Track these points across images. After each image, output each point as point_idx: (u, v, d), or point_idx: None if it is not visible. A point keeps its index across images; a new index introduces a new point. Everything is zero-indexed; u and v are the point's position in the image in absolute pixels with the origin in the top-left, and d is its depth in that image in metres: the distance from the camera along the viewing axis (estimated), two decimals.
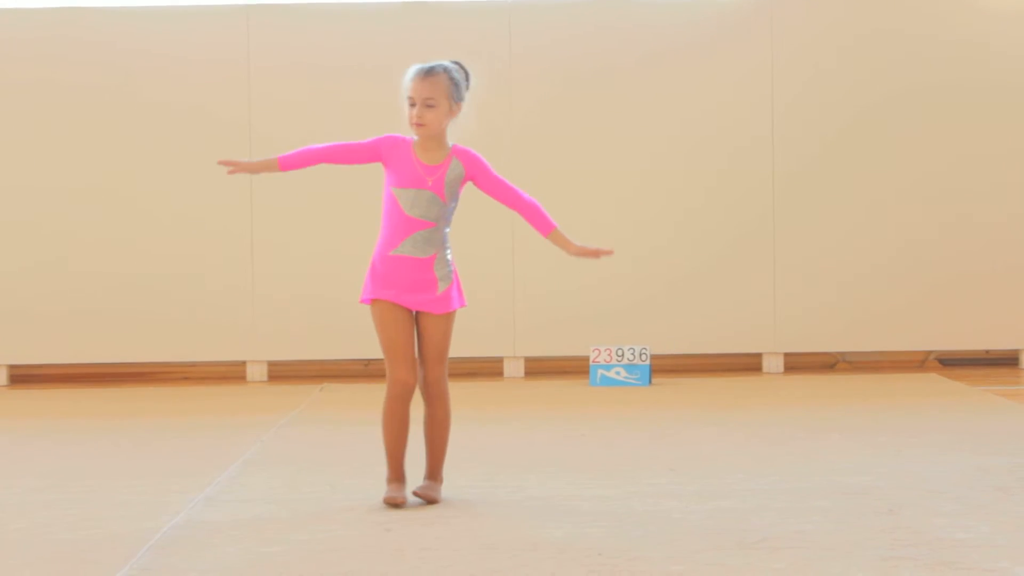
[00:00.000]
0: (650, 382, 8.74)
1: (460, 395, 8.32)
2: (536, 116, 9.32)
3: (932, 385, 8.58)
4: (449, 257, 5.05)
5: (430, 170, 4.90)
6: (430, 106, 4.85)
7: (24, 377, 9.38)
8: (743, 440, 6.36)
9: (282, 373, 9.40)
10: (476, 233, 9.23)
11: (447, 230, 5.01)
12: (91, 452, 6.33)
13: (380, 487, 5.06)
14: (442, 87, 4.86)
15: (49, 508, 5.02)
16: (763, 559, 4.06)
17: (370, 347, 9.20)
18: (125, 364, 9.40)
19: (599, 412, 7.46)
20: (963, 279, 9.36)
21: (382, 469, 5.06)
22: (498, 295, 9.27)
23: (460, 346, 9.24)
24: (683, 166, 9.33)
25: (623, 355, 8.77)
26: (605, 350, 8.79)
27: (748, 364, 9.51)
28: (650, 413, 7.38)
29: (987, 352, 9.60)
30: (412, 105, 4.86)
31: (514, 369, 9.36)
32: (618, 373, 8.76)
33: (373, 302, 4.99)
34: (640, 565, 4.02)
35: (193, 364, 9.47)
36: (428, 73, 4.86)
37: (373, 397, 8.34)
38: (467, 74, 4.98)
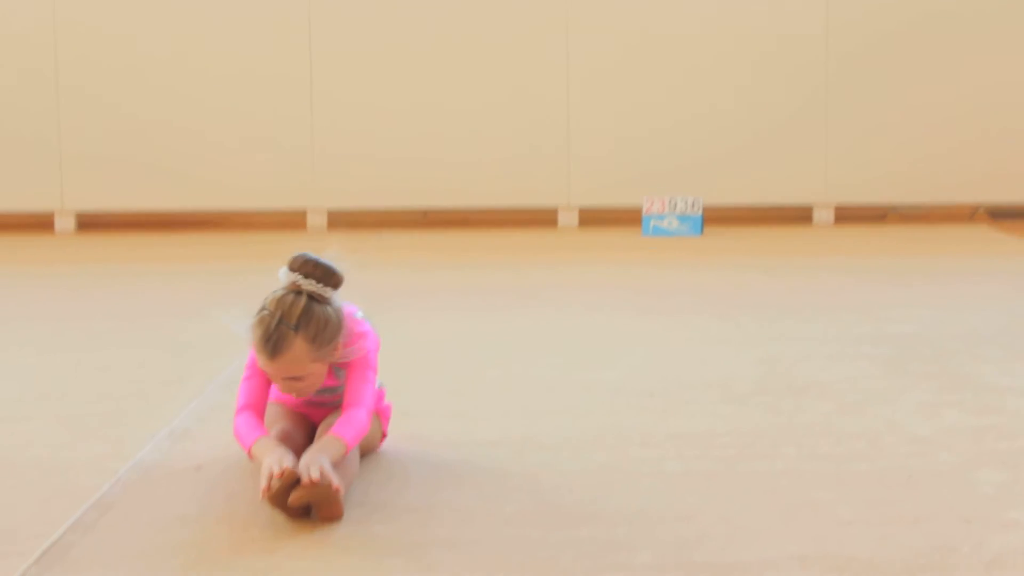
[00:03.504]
0: (702, 232, 8.84)
1: (514, 244, 8.48)
2: None
3: (981, 236, 8.64)
4: None
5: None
6: (296, 378, 3.35)
7: (91, 223, 9.57)
8: (792, 288, 6.46)
9: (341, 221, 9.54)
10: (530, 83, 9.30)
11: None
12: (158, 294, 6.50)
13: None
14: (303, 358, 3.29)
15: (118, 349, 5.21)
16: (811, 403, 4.19)
17: (428, 197, 9.38)
18: (189, 212, 9.58)
19: (651, 260, 7.57)
20: (1014, 131, 9.35)
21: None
22: (553, 146, 9.35)
23: (514, 196, 9.42)
24: (739, 21, 9.32)
25: (675, 205, 8.86)
26: (658, 200, 8.88)
27: (799, 216, 9.58)
28: (700, 262, 7.48)
29: None
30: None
31: (568, 219, 9.47)
32: (670, 223, 8.86)
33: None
34: (691, 407, 4.16)
35: (256, 212, 9.64)
36: (276, 351, 3.26)
37: (431, 243, 8.51)
38: (332, 278, 3.36)
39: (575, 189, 9.41)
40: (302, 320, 3.28)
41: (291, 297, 3.31)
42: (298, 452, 3.35)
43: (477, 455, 3.66)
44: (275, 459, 3.16)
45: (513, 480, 3.42)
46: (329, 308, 3.34)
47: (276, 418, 3.53)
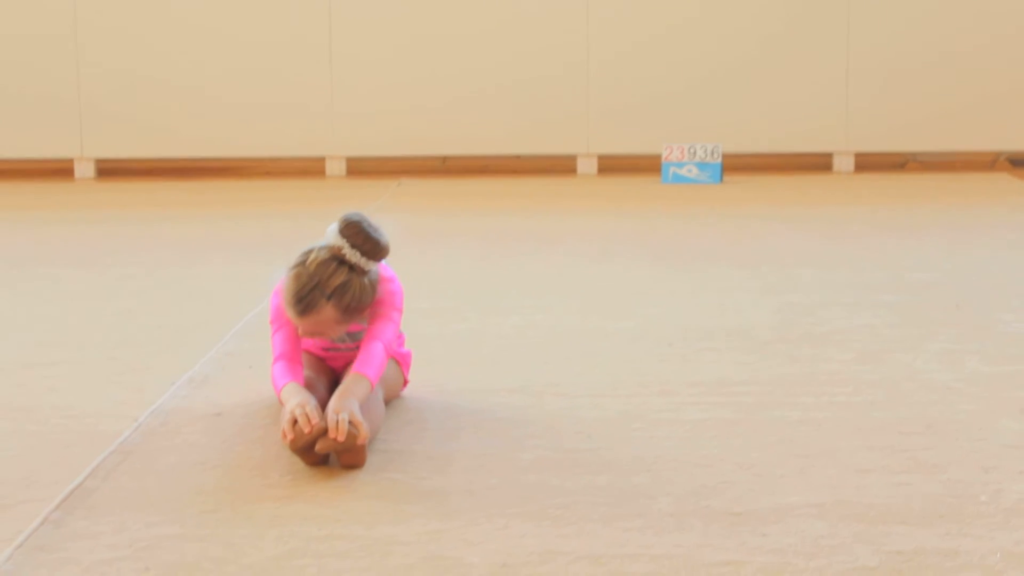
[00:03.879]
0: (721, 180, 8.82)
1: (534, 191, 8.47)
2: None
3: (1001, 184, 8.60)
4: None
5: None
6: (320, 332, 3.42)
7: (111, 170, 9.58)
8: (812, 237, 6.45)
9: (361, 169, 9.54)
10: (550, 31, 9.26)
11: None
12: (177, 240, 6.52)
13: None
14: (330, 321, 3.35)
15: (139, 295, 5.22)
16: (831, 351, 4.19)
17: (448, 145, 9.36)
18: (208, 159, 9.58)
19: (670, 209, 7.56)
20: None
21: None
22: (572, 93, 9.32)
23: (534, 144, 9.40)
24: None
25: (695, 153, 8.84)
26: (677, 148, 8.86)
27: (819, 163, 9.54)
28: (721, 210, 7.47)
29: None
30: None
31: (587, 166, 9.45)
32: (690, 171, 8.84)
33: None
34: (709, 355, 4.17)
35: (275, 159, 9.64)
36: (305, 311, 3.31)
37: (450, 191, 8.50)
38: (375, 251, 3.38)
39: (594, 136, 9.39)
40: (337, 291, 3.31)
41: (333, 266, 3.32)
42: (321, 401, 3.36)
43: (496, 403, 3.67)
44: (297, 403, 3.18)
45: (532, 427, 3.43)
46: (366, 280, 3.37)
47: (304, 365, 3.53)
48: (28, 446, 3.33)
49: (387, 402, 3.59)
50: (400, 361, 3.69)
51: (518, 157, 9.57)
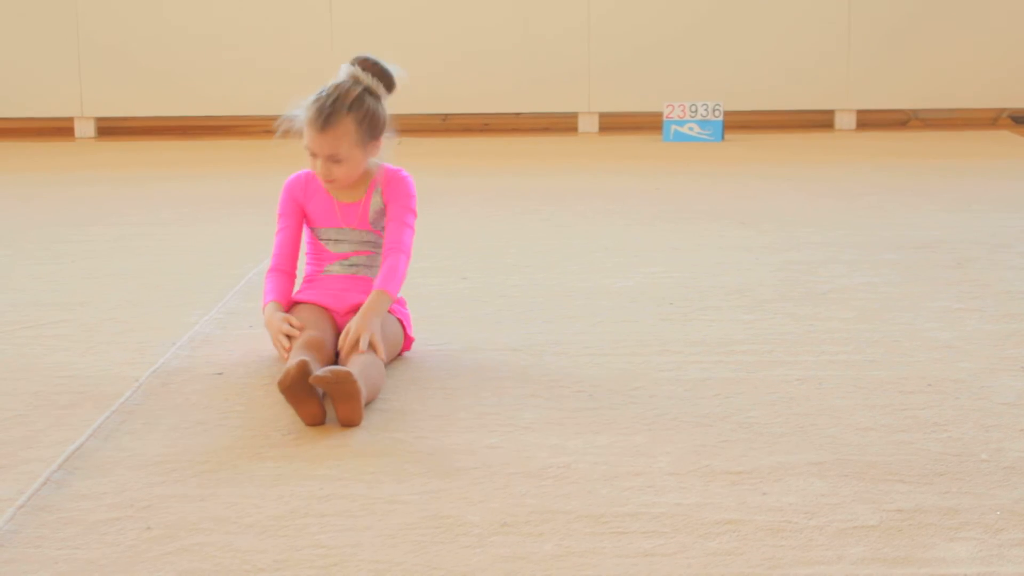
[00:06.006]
0: (723, 138, 8.80)
1: (535, 150, 8.46)
2: None
3: (1004, 142, 8.59)
4: None
5: (349, 208, 3.72)
6: (337, 161, 3.60)
7: (111, 129, 9.56)
8: (814, 195, 6.45)
9: None
10: None
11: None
12: (177, 200, 6.51)
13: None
14: (349, 137, 3.57)
15: (138, 255, 5.22)
16: (832, 309, 4.19)
17: (448, 103, 9.34)
18: (208, 118, 9.56)
19: (671, 167, 7.55)
20: None
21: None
22: (573, 51, 9.29)
23: (535, 102, 9.39)
24: None
25: (696, 111, 8.82)
26: (679, 106, 8.84)
27: (820, 120, 9.53)
28: (722, 168, 7.47)
29: None
30: (313, 156, 3.63)
31: (588, 124, 9.43)
32: (691, 128, 8.82)
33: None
34: (710, 314, 4.17)
35: (275, 118, 9.60)
36: (326, 124, 3.54)
37: (451, 149, 8.49)
38: (388, 80, 3.68)
39: (595, 95, 9.37)
40: (355, 103, 3.58)
41: (349, 83, 3.61)
42: (327, 357, 3.44)
43: (497, 361, 3.67)
44: (277, 330, 3.53)
45: (533, 386, 3.43)
46: (380, 105, 3.64)
47: (305, 322, 3.57)
48: (29, 406, 3.33)
49: (388, 362, 3.60)
50: (403, 320, 3.70)
51: (519, 115, 9.55)
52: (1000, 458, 2.89)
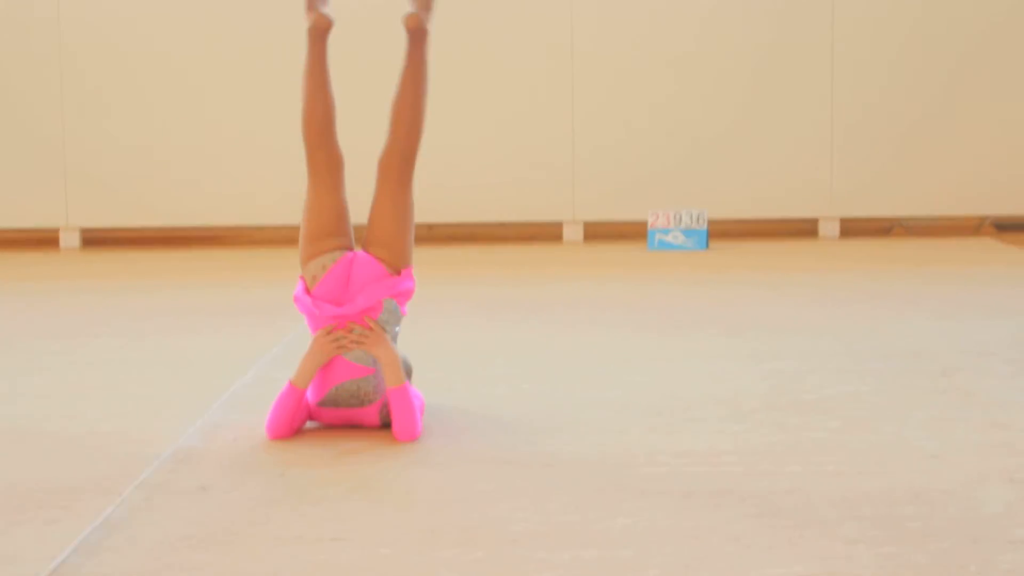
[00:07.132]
0: (707, 246, 8.84)
1: (520, 259, 8.48)
2: None
3: (987, 249, 8.63)
4: None
5: None
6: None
7: (96, 240, 9.58)
8: (799, 304, 6.45)
9: None
10: (536, 98, 9.30)
11: None
12: (163, 310, 6.50)
13: None
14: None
15: (127, 364, 5.20)
16: (818, 419, 4.18)
17: (434, 213, 9.36)
18: (194, 228, 9.59)
19: (656, 276, 7.56)
20: (1020, 144, 9.34)
21: None
22: (558, 160, 9.35)
23: (519, 211, 9.42)
24: (737, 28, 9.31)
25: (681, 219, 8.86)
26: (663, 214, 8.88)
27: (804, 229, 9.57)
28: (707, 276, 7.48)
29: None
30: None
31: (573, 233, 9.46)
32: (676, 237, 8.86)
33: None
34: (697, 425, 4.15)
35: (260, 228, 9.65)
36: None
37: (436, 258, 8.50)
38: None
39: (580, 203, 9.42)
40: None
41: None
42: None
43: (482, 473, 3.64)
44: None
45: (519, 499, 3.41)
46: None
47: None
48: (9, 522, 3.30)
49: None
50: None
51: (504, 224, 9.59)
52: (989, 571, 2.87)
